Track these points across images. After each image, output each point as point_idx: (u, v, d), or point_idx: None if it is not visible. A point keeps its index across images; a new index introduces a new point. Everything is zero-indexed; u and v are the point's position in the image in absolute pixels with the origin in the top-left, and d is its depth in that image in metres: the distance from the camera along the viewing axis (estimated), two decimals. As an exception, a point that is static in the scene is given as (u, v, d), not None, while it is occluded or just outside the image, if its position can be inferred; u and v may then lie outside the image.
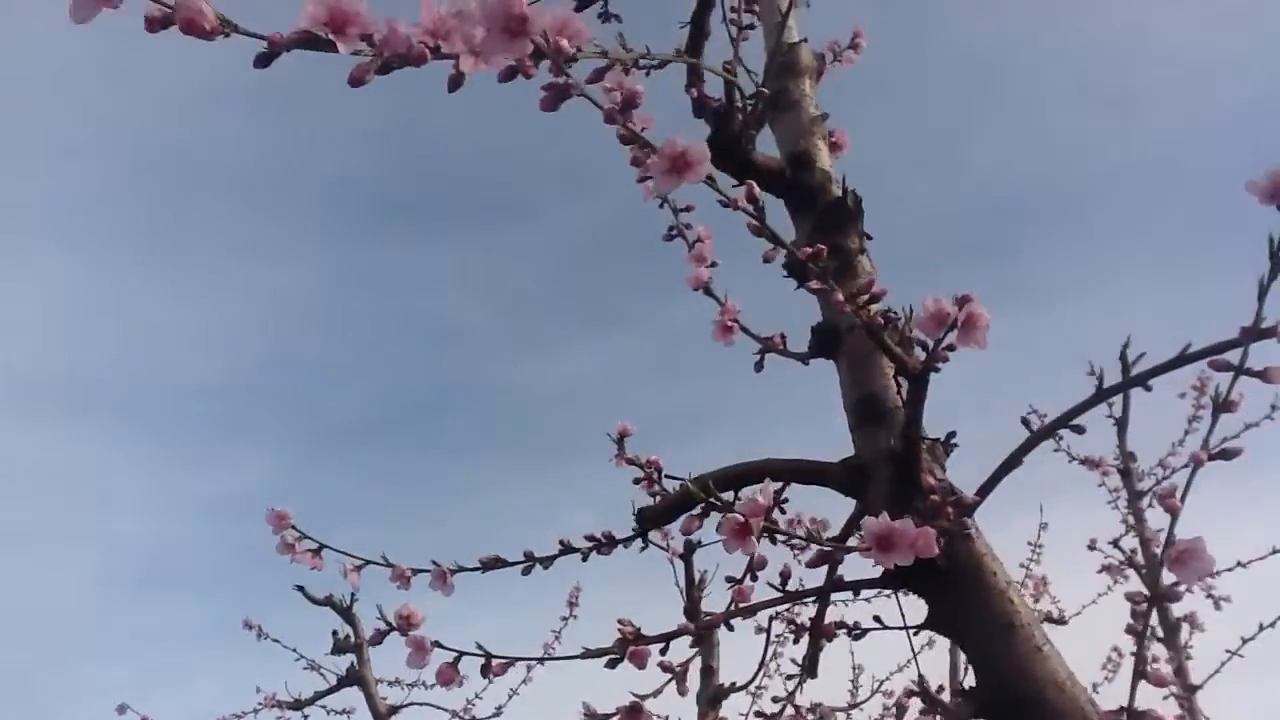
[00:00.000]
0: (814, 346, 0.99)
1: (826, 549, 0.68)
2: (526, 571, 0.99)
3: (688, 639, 0.81)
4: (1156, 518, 2.24)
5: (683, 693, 0.75)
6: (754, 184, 0.63)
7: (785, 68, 1.14)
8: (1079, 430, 0.81)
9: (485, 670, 0.82)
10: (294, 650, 2.62)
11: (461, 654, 0.82)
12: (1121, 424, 2.35)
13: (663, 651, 0.80)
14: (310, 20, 0.52)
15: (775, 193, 1.04)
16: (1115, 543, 2.26)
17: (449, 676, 0.82)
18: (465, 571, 0.98)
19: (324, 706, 2.49)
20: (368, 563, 0.98)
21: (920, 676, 0.98)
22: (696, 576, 1.94)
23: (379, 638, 0.85)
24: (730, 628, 0.83)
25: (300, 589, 2.57)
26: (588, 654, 0.78)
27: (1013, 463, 0.82)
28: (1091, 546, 2.36)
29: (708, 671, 2.18)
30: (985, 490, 0.82)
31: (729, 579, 0.90)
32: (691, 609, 1.98)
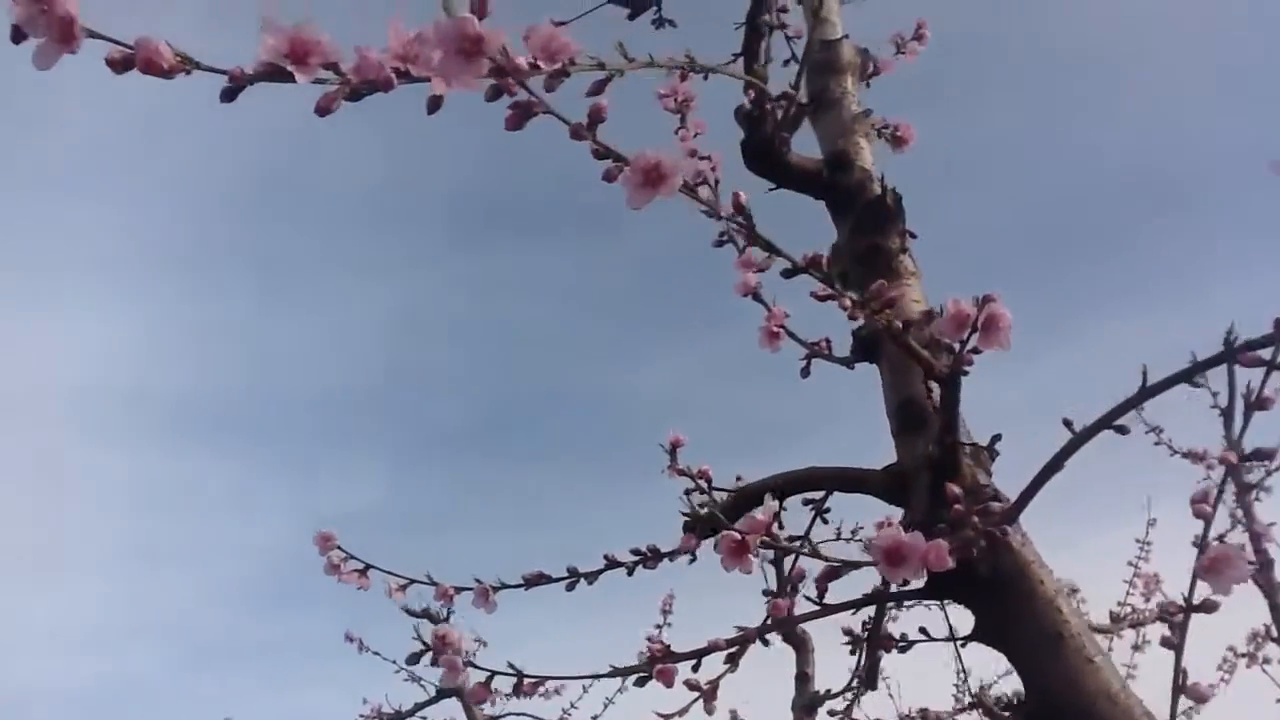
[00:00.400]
0: (856, 351, 0.97)
1: (835, 565, 0.66)
2: (570, 587, 0.98)
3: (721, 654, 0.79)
4: (1266, 511, 2.13)
5: (710, 711, 0.73)
6: (740, 193, 0.62)
7: (824, 65, 1.11)
8: (1122, 431, 0.78)
9: (518, 689, 0.81)
10: (394, 662, 2.66)
11: (494, 673, 0.82)
12: (1227, 415, 2.23)
13: (694, 669, 0.79)
14: (270, 52, 0.52)
15: (814, 194, 1.02)
16: (1222, 538, 2.15)
17: (481, 696, 0.81)
18: (508, 589, 0.98)
19: (424, 717, 2.51)
20: (412, 581, 0.99)
21: (982, 688, 0.95)
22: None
23: (415, 658, 0.85)
24: (766, 643, 0.81)
25: (398, 600, 2.61)
26: (616, 672, 0.77)
27: (1054, 467, 0.79)
28: (1196, 544, 2.25)
29: (803, 678, 2.15)
30: (1025, 497, 0.78)
31: (765, 592, 0.88)
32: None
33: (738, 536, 0.60)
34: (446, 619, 2.72)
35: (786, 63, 1.38)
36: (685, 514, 0.72)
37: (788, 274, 0.67)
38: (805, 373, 1.07)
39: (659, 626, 2.77)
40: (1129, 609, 2.56)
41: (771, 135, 0.96)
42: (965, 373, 0.75)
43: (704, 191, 1.34)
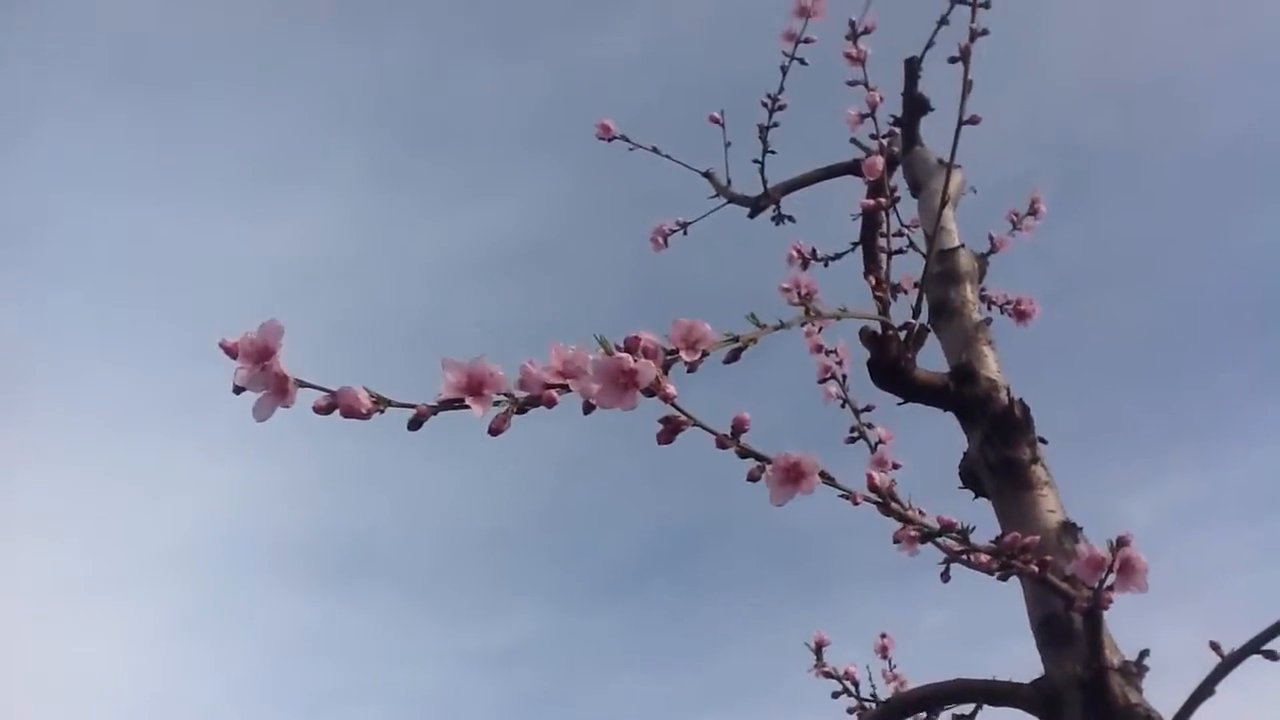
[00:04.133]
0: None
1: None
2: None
3: None
4: None
5: None
6: (874, 475, 0.66)
7: (944, 275, 1.16)
8: (1272, 656, 0.78)
9: None
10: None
11: None
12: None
13: None
14: (450, 389, 0.59)
15: (942, 406, 1.05)
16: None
17: None
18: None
19: None
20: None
21: None
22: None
23: None
24: None
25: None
26: None
27: (1204, 693, 0.80)
28: None
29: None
30: (1177, 723, 0.79)
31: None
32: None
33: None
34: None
35: (903, 250, 1.44)
36: (877, 710, 0.74)
37: (924, 539, 0.70)
38: (945, 577, 1.08)
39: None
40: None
41: (897, 356, 1.00)
42: (1105, 609, 0.77)
43: (832, 386, 1.39)
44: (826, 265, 1.62)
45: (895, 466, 1.27)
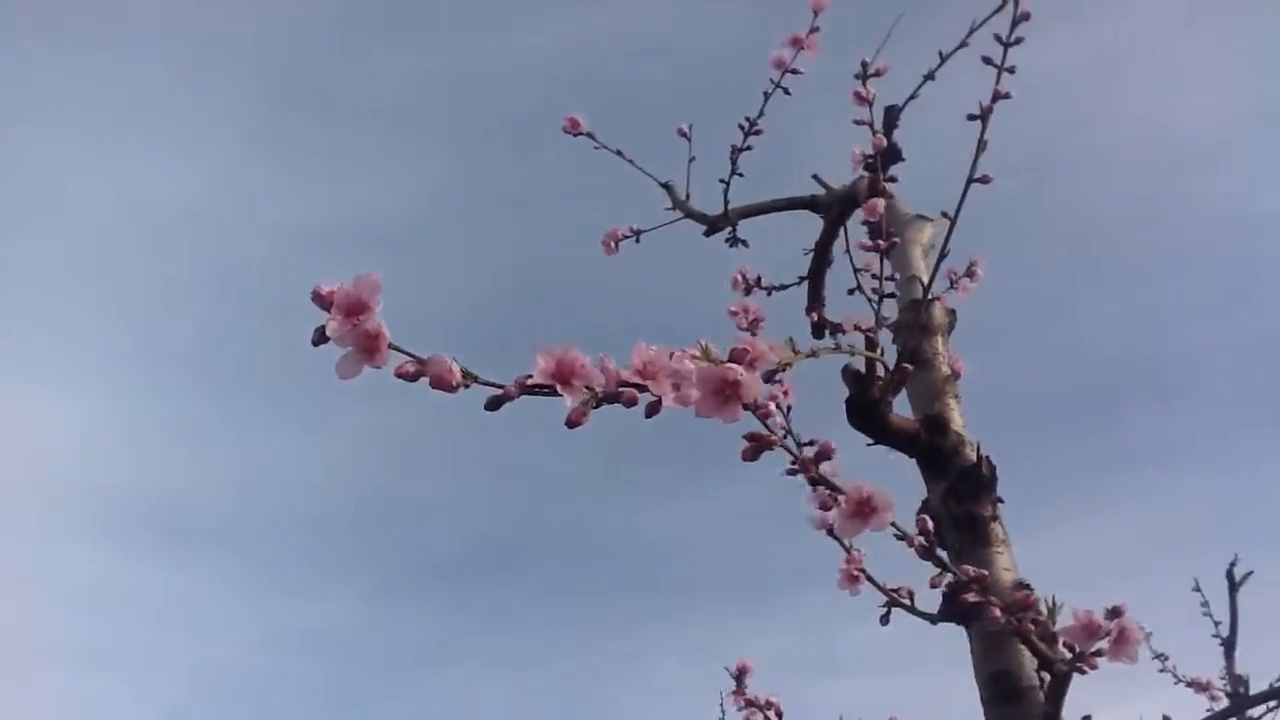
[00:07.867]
0: (945, 611, 1.00)
1: None
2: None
3: None
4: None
5: None
6: (928, 518, 0.67)
7: (916, 325, 1.18)
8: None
9: None
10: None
11: None
12: (1228, 645, 2.28)
13: None
14: (541, 374, 0.57)
15: (909, 453, 1.07)
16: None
17: None
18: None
19: None
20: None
21: None
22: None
23: None
24: None
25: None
26: None
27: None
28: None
29: None
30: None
31: None
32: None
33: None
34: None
35: (851, 291, 1.46)
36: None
37: (951, 587, 0.71)
38: (885, 620, 1.10)
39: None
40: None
41: (878, 398, 1.01)
42: (1084, 672, 0.79)
43: (777, 418, 1.40)
44: (770, 295, 1.63)
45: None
